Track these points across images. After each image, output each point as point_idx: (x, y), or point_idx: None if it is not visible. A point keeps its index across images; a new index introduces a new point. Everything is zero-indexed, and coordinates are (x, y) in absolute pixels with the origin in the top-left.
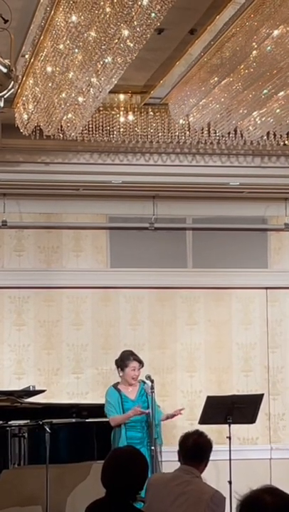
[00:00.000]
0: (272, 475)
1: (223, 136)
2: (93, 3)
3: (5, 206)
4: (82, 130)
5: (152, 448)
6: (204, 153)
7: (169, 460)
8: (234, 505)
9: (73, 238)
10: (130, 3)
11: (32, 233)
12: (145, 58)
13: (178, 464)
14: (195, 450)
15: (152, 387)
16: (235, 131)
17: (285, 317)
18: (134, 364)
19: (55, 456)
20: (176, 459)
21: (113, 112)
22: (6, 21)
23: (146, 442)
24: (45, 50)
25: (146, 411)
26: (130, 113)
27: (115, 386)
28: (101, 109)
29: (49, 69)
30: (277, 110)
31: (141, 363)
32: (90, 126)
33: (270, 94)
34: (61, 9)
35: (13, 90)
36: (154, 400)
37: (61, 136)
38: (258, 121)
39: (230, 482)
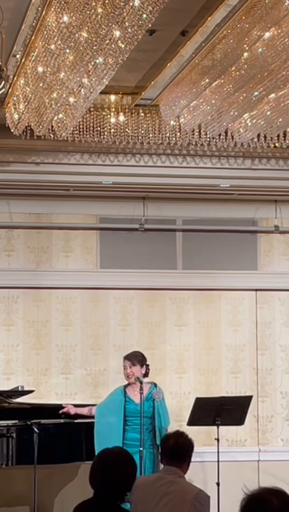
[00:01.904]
0: (260, 477)
1: (213, 138)
2: (85, 4)
3: None
4: (73, 130)
5: (141, 449)
6: (195, 155)
7: None
8: (222, 506)
9: (63, 239)
10: (122, 4)
11: (22, 233)
12: (136, 59)
13: None
14: (176, 450)
15: (141, 388)
16: (226, 132)
17: (274, 319)
18: (125, 363)
19: (43, 456)
20: None
21: (104, 113)
22: None
23: (148, 445)
24: (37, 50)
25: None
26: (121, 114)
27: (125, 386)
28: (92, 109)
29: (40, 69)
30: (268, 112)
31: (131, 360)
32: (81, 126)
33: (261, 97)
34: (53, 9)
35: (4, 90)
36: (161, 406)
37: (52, 136)
38: (249, 124)
39: (218, 484)
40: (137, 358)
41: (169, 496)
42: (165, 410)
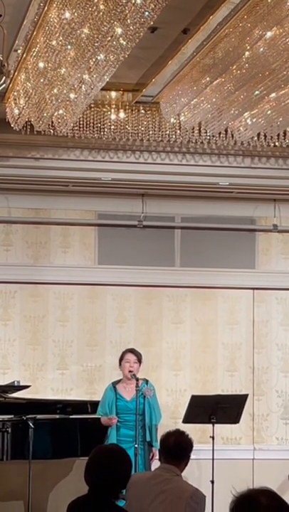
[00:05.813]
0: (254, 475)
1: (213, 136)
2: (87, 1)
3: None
4: (73, 126)
5: (136, 446)
6: (194, 153)
7: None
8: (216, 504)
9: (61, 234)
10: (124, 1)
11: (20, 228)
12: (138, 56)
13: None
14: (176, 449)
15: (137, 385)
16: (226, 131)
17: (271, 318)
18: (129, 357)
19: (38, 451)
20: None
21: (104, 109)
22: None
23: (140, 441)
24: (38, 45)
25: (113, 420)
26: (121, 111)
27: (114, 384)
28: (92, 106)
29: (41, 64)
30: (269, 111)
31: (137, 356)
32: (81, 122)
33: (261, 96)
34: (55, 5)
35: (4, 85)
36: (154, 403)
37: (52, 132)
38: (249, 122)
39: (212, 482)
40: (140, 356)
41: (165, 493)
42: (157, 406)
